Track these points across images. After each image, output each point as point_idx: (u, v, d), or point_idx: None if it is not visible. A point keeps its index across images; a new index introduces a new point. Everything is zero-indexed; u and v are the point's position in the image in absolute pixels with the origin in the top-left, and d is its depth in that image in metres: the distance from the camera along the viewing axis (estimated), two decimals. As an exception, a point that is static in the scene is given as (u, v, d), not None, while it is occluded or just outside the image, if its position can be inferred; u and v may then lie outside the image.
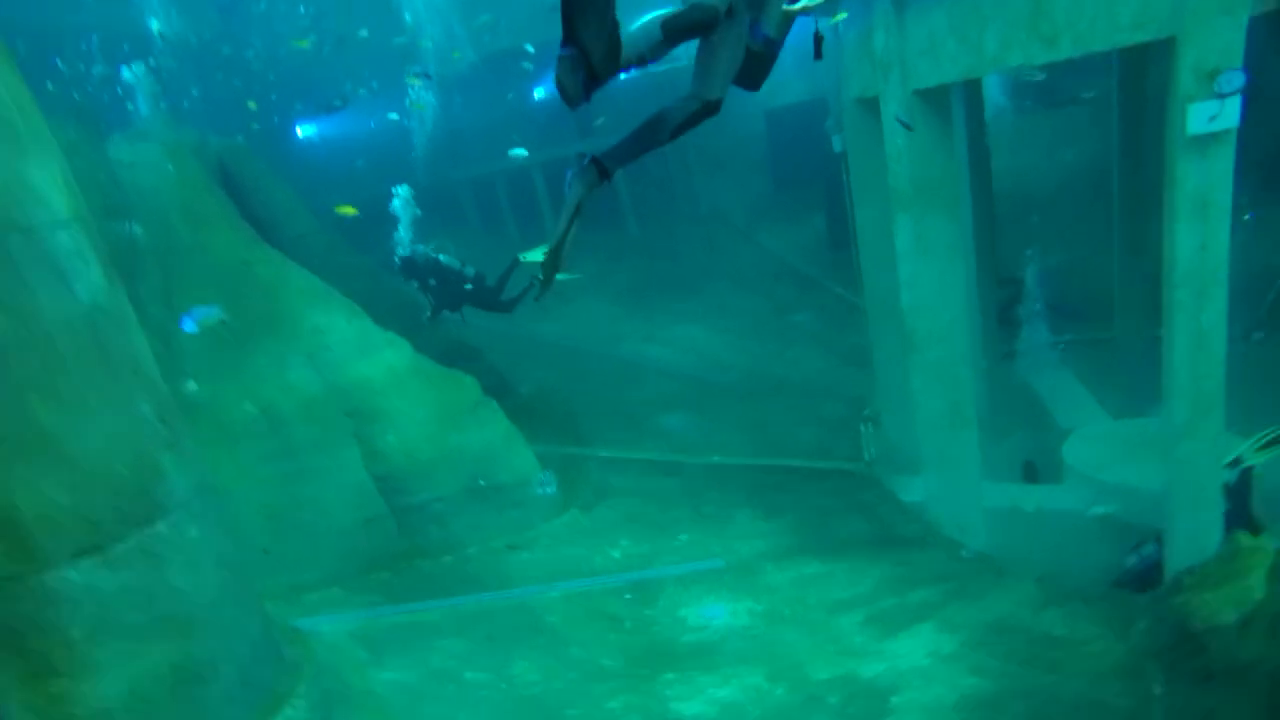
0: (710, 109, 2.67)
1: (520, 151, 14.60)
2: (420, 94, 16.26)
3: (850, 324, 13.83)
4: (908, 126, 6.61)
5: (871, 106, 7.58)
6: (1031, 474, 10.26)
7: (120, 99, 11.65)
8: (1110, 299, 10.86)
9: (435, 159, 20.75)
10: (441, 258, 9.93)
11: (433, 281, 9.84)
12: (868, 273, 8.96)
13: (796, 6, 2.80)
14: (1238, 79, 4.84)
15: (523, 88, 21.02)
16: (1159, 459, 7.32)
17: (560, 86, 2.21)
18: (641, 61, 2.48)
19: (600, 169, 2.64)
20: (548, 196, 18.66)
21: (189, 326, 5.68)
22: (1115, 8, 5.27)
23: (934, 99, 6.77)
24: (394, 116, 17.05)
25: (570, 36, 2.07)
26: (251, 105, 15.94)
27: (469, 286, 9.98)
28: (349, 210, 10.86)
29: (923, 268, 7.22)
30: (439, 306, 10.07)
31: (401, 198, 11.09)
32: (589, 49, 2.09)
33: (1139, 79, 9.46)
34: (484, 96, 20.95)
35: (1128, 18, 5.24)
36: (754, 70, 2.93)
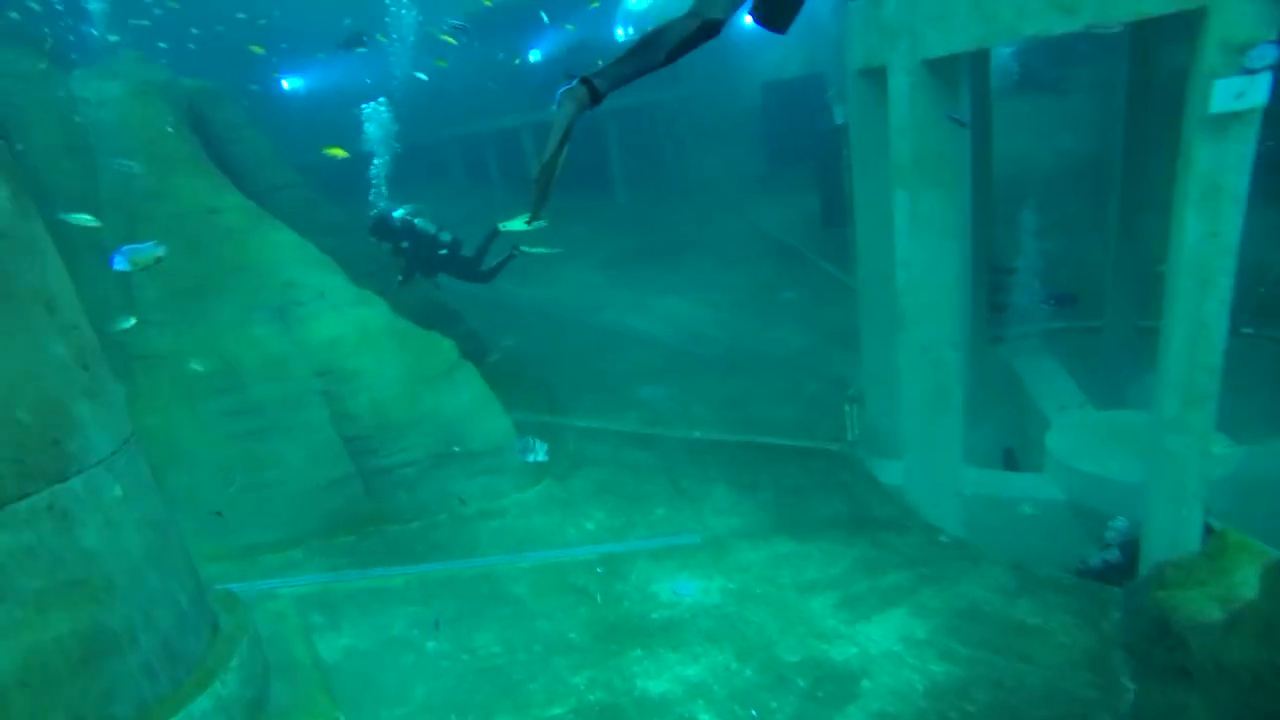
0: (709, 28, 2.44)
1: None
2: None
3: (837, 302, 13.64)
4: (961, 123, 6.30)
5: (877, 77, 7.28)
6: (1011, 461, 10.21)
7: (92, 36, 11.07)
8: (1102, 287, 10.73)
9: (424, 116, 20.18)
10: (417, 221, 9.50)
11: (405, 244, 9.42)
12: (863, 250, 8.73)
13: None
14: (1271, 53, 4.58)
15: (515, 48, 20.39)
16: (1141, 450, 7.26)
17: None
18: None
19: (590, 89, 2.42)
20: (536, 159, 18.22)
21: (120, 264, 5.28)
22: (1139, -24, 5.00)
23: (943, 70, 6.48)
24: (422, 76, 16.35)
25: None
26: (257, 50, 15.28)
27: (444, 252, 9.58)
28: (339, 152, 10.40)
29: (918, 245, 7.00)
30: (411, 270, 9.67)
31: (380, 159, 10.65)
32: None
33: (1149, 60, 9.22)
34: (474, 56, 20.31)
35: (1152, -14, 4.98)
36: (779, 7, 2.71)
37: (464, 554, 7.55)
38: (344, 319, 8.00)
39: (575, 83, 2.43)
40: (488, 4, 17.78)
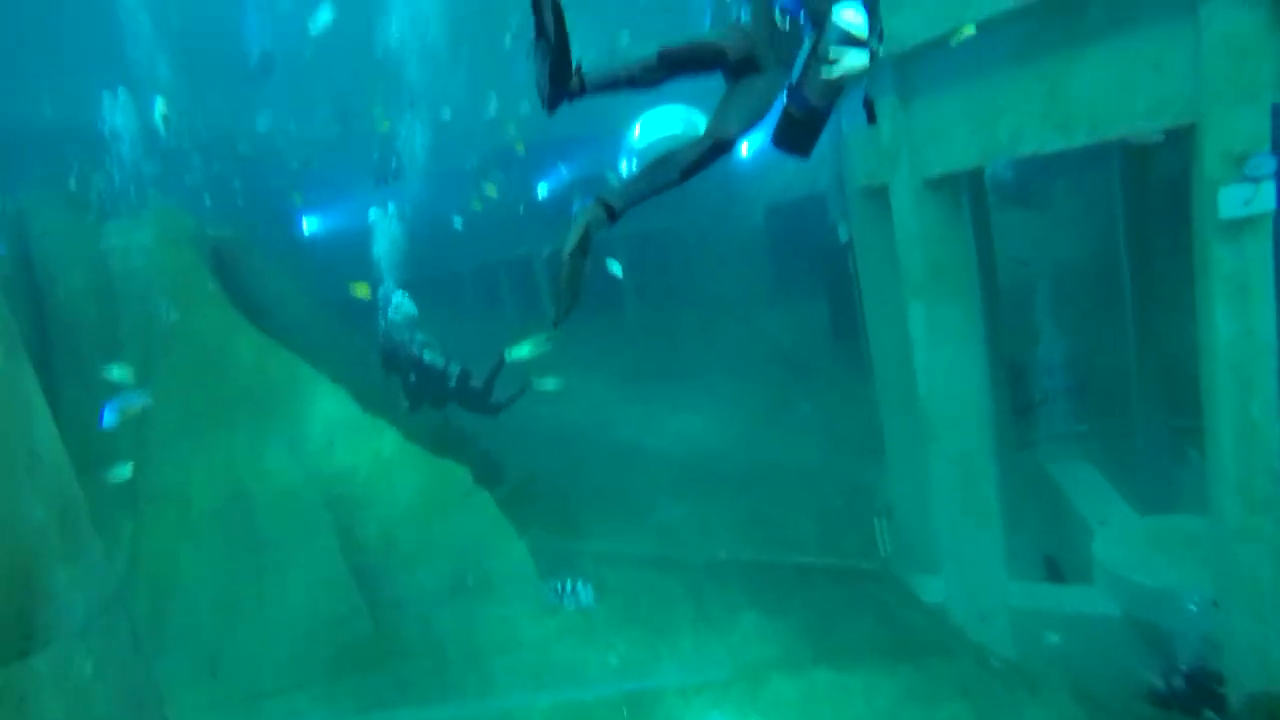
0: (721, 148, 2.61)
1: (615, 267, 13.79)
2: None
3: (853, 413, 13.43)
4: (1025, 264, 6.35)
5: (879, 195, 7.50)
6: (1054, 571, 9.64)
7: (126, 190, 11.74)
8: (1126, 390, 10.56)
9: (441, 249, 20.96)
10: (425, 355, 9.57)
11: (413, 378, 9.46)
12: (879, 360, 8.68)
13: (834, 74, 2.67)
14: (1269, 164, 4.69)
15: (528, 182, 21.49)
16: (1199, 560, 6.81)
17: (536, 83, 2.36)
18: (631, 81, 2.48)
19: (607, 208, 2.54)
20: (549, 289, 18.74)
21: (109, 419, 5.26)
22: (1132, 94, 5.20)
23: (944, 185, 6.67)
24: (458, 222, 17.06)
25: (538, 29, 2.23)
26: (297, 200, 16.07)
27: (452, 385, 9.61)
28: (363, 290, 10.70)
29: (938, 355, 6.93)
30: (419, 401, 9.65)
31: (396, 294, 10.88)
32: (551, 41, 2.21)
33: (1142, 164, 9.52)
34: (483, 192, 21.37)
35: (1145, 104, 5.16)
36: (799, 136, 2.92)
37: (478, 694, 7.03)
38: (356, 449, 7.90)
39: (592, 202, 2.56)
40: (519, 150, 18.85)
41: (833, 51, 2.71)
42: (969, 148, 6.22)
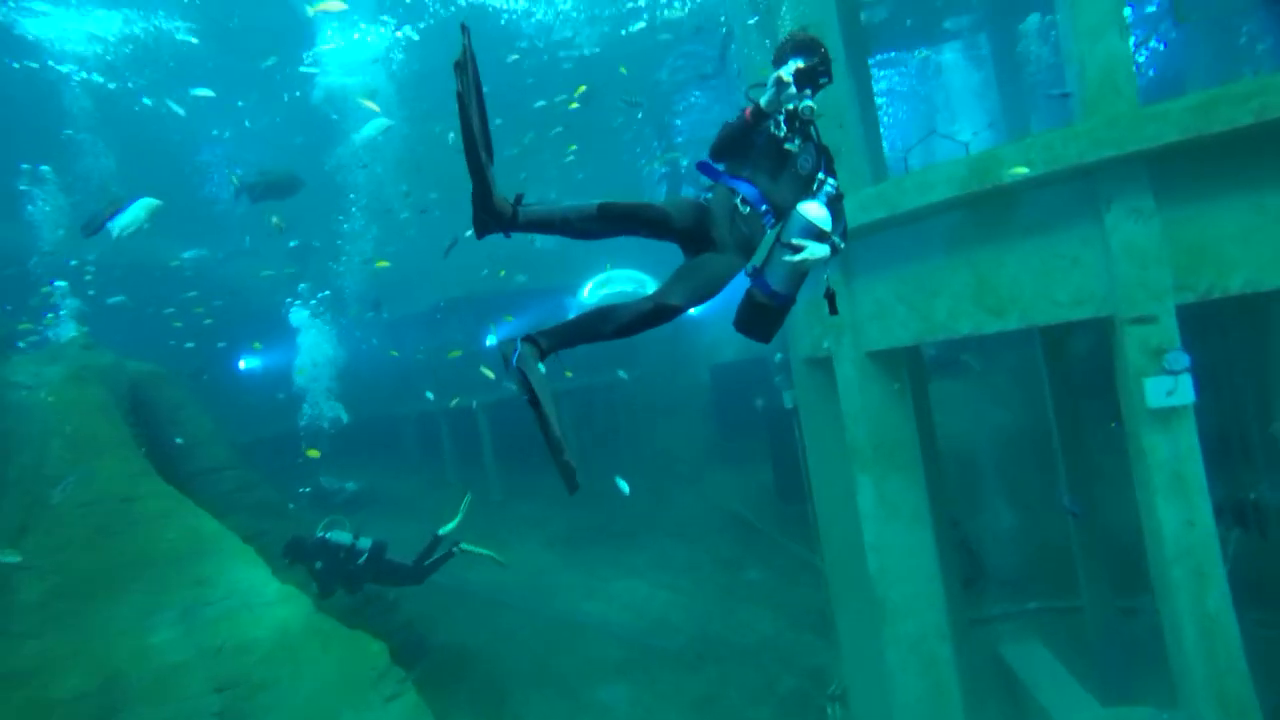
0: (661, 314, 2.51)
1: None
2: None
3: (803, 582, 12.96)
4: (1075, 513, 6.25)
5: (823, 365, 7.64)
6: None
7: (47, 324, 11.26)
8: (1070, 564, 10.46)
9: (382, 393, 20.58)
10: (330, 536, 8.67)
11: (319, 565, 8.48)
12: (825, 533, 8.44)
13: (795, 259, 2.72)
14: (1183, 359, 4.93)
15: (476, 332, 21.68)
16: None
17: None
18: (567, 226, 2.45)
19: (535, 346, 2.42)
20: (491, 438, 18.28)
21: None
22: (1054, 287, 5.52)
23: (887, 360, 6.82)
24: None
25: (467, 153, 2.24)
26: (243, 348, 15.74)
27: (362, 562, 8.69)
28: (313, 454, 10.17)
29: (889, 532, 6.75)
30: (330, 587, 8.60)
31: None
32: (474, 174, 2.22)
33: (1060, 344, 10.04)
34: (438, 336, 21.46)
35: (1067, 296, 5.46)
36: (762, 321, 2.89)
37: None
38: (259, 620, 7.02)
39: (520, 342, 2.42)
40: (453, 296, 19.18)
41: (796, 240, 2.76)
42: (908, 325, 6.43)
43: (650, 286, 21.32)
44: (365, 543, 8.69)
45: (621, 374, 18.41)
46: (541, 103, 15.17)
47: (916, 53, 17.89)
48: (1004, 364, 15.95)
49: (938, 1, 11.57)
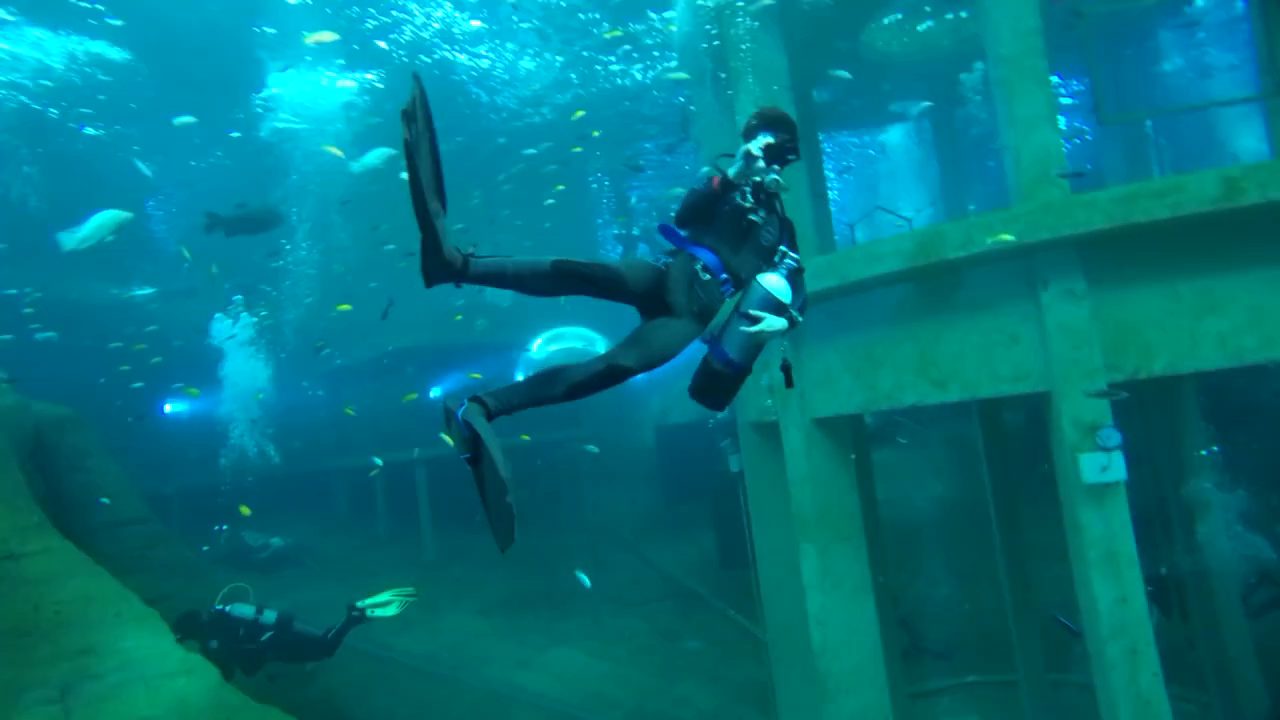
0: (614, 375, 2.50)
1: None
2: None
3: (745, 653, 12.63)
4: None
5: (769, 430, 7.63)
6: None
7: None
8: (1006, 636, 10.51)
9: (315, 445, 19.71)
10: (230, 609, 7.88)
11: (214, 644, 7.67)
12: (769, 602, 8.28)
13: (753, 329, 2.71)
14: (1115, 436, 5.09)
15: (418, 384, 21.14)
16: None
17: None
18: (519, 281, 2.43)
19: (482, 407, 2.35)
20: (428, 496, 17.60)
21: None
22: (994, 362, 5.68)
23: (833, 427, 6.86)
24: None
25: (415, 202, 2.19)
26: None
27: (266, 638, 7.94)
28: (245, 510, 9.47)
29: (832, 604, 6.65)
30: (230, 667, 7.76)
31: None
32: (423, 224, 2.18)
33: (996, 418, 10.31)
34: (375, 389, 20.84)
35: (1008, 370, 5.62)
36: (717, 389, 2.86)
37: None
38: (155, 696, 6.35)
39: (466, 401, 2.36)
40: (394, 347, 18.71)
41: (754, 311, 2.75)
42: (854, 394, 6.50)
43: (600, 345, 21.30)
44: (270, 616, 7.95)
45: (562, 434, 18.14)
46: (533, 150, 15.08)
47: (862, 134, 18.87)
48: (939, 434, 16.34)
49: (884, 86, 12.24)
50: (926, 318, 6.02)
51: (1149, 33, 12.64)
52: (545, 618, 14.33)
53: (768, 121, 2.91)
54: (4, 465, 7.18)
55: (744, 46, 7.52)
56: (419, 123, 2.13)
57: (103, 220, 8.48)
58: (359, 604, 8.38)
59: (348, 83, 14.93)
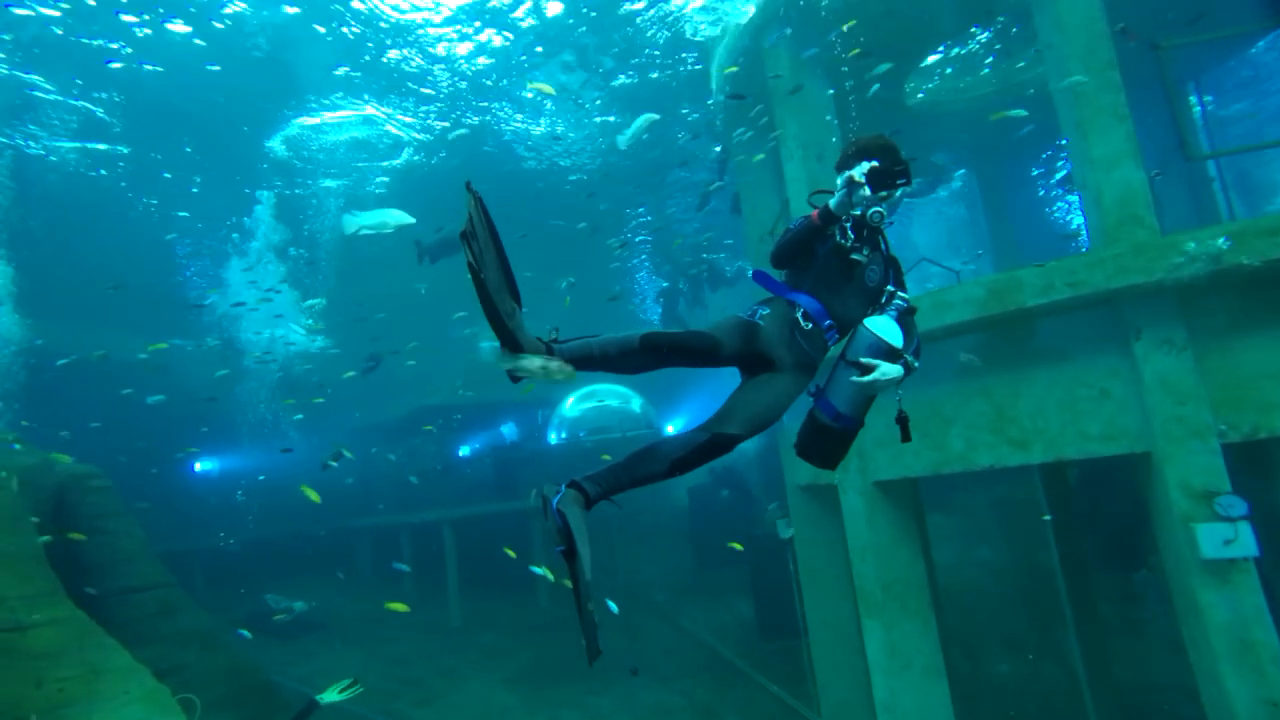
0: (719, 445, 2.27)
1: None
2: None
3: (790, 735, 11.68)
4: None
5: (822, 493, 7.07)
6: None
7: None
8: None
9: (340, 506, 19.33)
10: None
11: None
12: (824, 681, 7.54)
13: (865, 379, 2.33)
14: (1240, 505, 4.46)
15: (446, 443, 20.80)
16: None
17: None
18: (607, 362, 2.23)
19: (580, 491, 2.19)
20: (456, 554, 17.02)
21: None
22: (1081, 420, 5.12)
23: (898, 491, 6.28)
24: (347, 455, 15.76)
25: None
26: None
27: None
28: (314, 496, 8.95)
29: (901, 687, 5.95)
30: None
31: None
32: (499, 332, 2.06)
33: (1061, 478, 9.56)
34: (404, 448, 20.57)
35: (1097, 429, 5.06)
36: (827, 445, 2.56)
37: None
38: (157, 785, 5.84)
39: (564, 489, 2.20)
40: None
41: (865, 360, 2.37)
42: (920, 455, 5.95)
43: (635, 402, 20.76)
44: None
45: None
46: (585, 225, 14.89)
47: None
48: (985, 497, 15.45)
49: (927, 135, 11.96)
50: (1000, 371, 5.50)
51: (1208, 68, 12.20)
52: (576, 690, 13.48)
53: (866, 148, 2.56)
54: (19, 529, 6.87)
55: (786, 92, 7.30)
56: (480, 240, 1.95)
57: (386, 216, 8.29)
58: (319, 698, 7.78)
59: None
